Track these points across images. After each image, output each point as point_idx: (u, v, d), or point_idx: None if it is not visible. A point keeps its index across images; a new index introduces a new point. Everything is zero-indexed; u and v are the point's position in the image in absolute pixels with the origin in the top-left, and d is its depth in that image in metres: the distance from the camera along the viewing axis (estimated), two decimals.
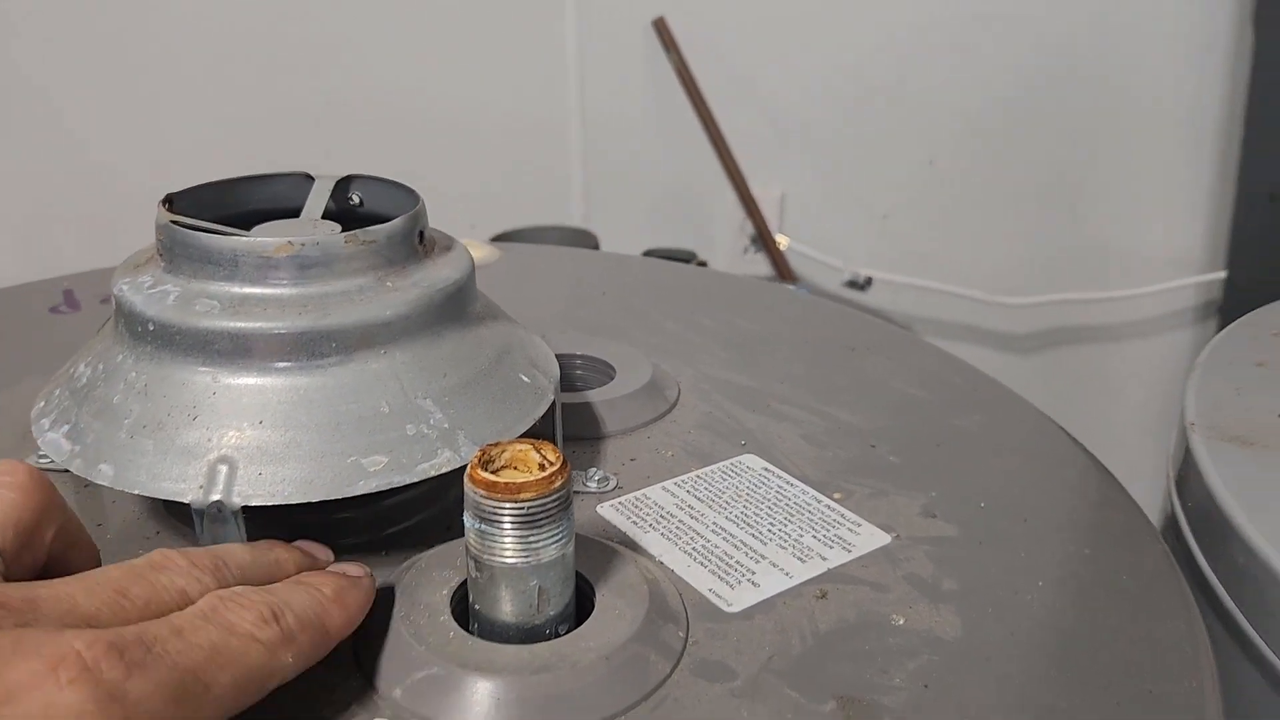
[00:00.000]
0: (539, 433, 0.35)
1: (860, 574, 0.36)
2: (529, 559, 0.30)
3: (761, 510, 0.40)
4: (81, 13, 1.26)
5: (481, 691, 0.29)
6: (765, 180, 1.45)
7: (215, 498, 0.32)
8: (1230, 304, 1.42)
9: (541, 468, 0.30)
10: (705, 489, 0.41)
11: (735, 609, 0.34)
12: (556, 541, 0.31)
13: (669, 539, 0.38)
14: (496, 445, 0.31)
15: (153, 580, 0.27)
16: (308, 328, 0.34)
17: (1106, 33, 1.34)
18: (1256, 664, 0.41)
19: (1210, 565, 0.43)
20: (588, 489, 0.41)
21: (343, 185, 0.42)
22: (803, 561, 0.37)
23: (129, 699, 0.23)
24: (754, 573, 0.36)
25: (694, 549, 0.37)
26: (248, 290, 0.34)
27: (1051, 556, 0.37)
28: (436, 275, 0.37)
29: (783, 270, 1.45)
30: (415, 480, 0.34)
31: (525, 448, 0.31)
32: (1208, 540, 0.44)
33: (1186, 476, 0.46)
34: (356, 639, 0.31)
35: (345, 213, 0.42)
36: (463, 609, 0.32)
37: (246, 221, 0.39)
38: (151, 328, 0.34)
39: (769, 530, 0.38)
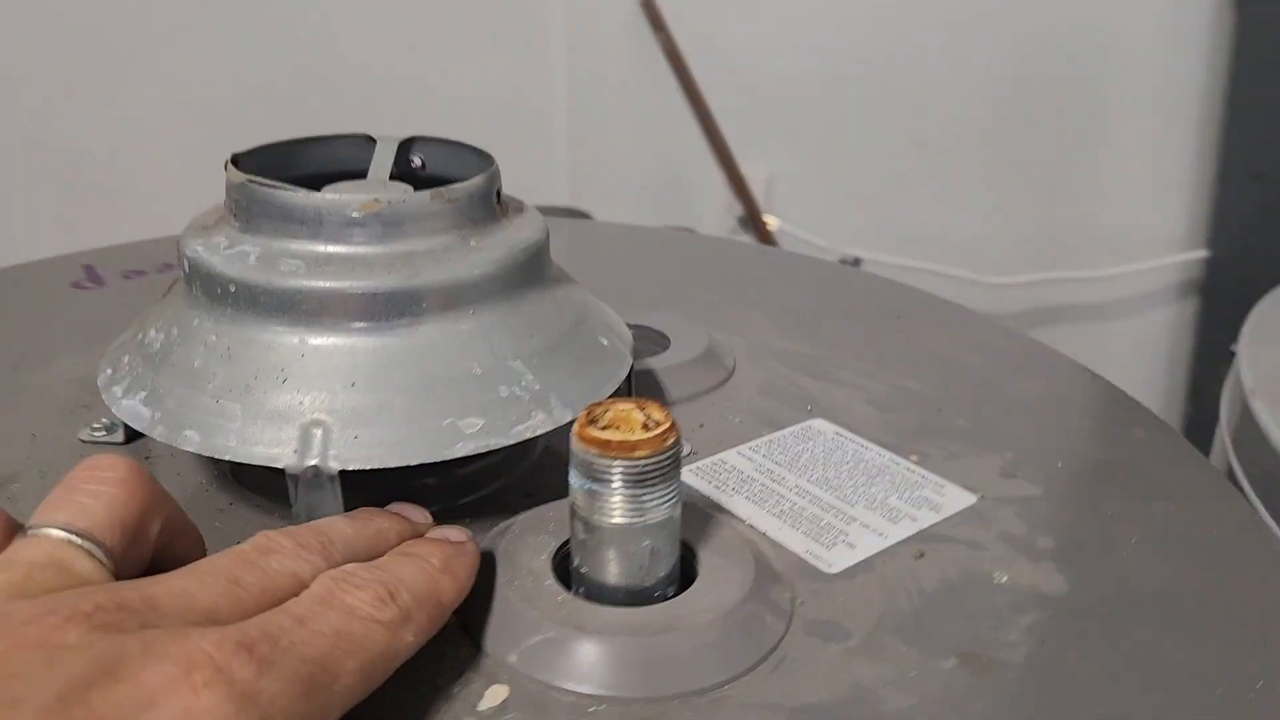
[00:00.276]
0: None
1: (953, 533, 0.36)
2: (641, 519, 0.29)
3: (842, 473, 0.39)
4: None
5: (600, 655, 0.29)
6: (754, 160, 1.45)
7: (312, 462, 0.31)
8: (1212, 282, 1.44)
9: (646, 427, 0.30)
10: (780, 453, 0.41)
11: (835, 569, 0.34)
12: (668, 501, 0.30)
13: (754, 502, 0.37)
14: (599, 405, 0.30)
15: (264, 566, 0.26)
16: (398, 287, 0.33)
17: (1092, 13, 1.35)
18: None
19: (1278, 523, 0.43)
20: None
21: (404, 147, 0.41)
22: (894, 522, 0.36)
23: (263, 698, 0.22)
24: (847, 534, 0.36)
25: (781, 511, 0.37)
26: (331, 249, 0.33)
27: (1138, 514, 0.37)
28: (517, 235, 0.37)
29: None
30: (511, 443, 0.33)
31: (628, 407, 0.30)
32: (1275, 499, 0.44)
33: (1244, 440, 0.46)
34: (462, 606, 0.30)
35: (407, 175, 0.41)
36: (561, 573, 0.32)
37: (309, 184, 0.38)
38: (233, 289, 0.33)
39: (853, 492, 0.38)
